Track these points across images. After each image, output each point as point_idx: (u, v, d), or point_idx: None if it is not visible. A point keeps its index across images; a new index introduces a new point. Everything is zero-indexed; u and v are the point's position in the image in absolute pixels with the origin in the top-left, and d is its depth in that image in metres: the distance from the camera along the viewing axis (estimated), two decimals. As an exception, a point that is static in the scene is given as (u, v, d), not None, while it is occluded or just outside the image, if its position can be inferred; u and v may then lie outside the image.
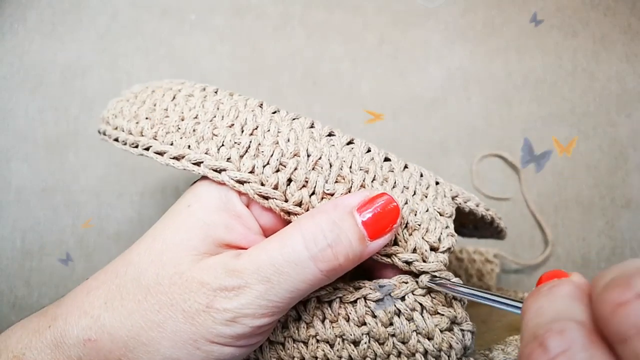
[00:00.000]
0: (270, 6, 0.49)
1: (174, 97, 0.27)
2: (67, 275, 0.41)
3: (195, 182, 0.26)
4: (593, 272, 0.42)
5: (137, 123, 0.27)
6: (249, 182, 0.23)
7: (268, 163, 0.24)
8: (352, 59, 0.48)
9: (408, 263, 0.24)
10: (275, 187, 0.24)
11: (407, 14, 0.49)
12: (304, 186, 0.24)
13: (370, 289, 0.24)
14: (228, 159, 0.24)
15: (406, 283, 0.24)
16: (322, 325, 0.24)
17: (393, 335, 0.24)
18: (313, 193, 0.24)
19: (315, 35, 0.48)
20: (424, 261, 0.24)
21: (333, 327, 0.24)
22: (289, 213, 0.24)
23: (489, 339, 0.28)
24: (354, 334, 0.24)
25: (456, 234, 0.25)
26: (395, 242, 0.24)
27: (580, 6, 0.49)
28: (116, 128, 0.28)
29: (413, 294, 0.23)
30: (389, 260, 0.24)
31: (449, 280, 0.23)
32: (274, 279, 0.21)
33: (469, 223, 0.34)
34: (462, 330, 0.24)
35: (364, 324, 0.24)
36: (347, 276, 0.27)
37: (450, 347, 0.23)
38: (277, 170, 0.24)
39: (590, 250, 0.43)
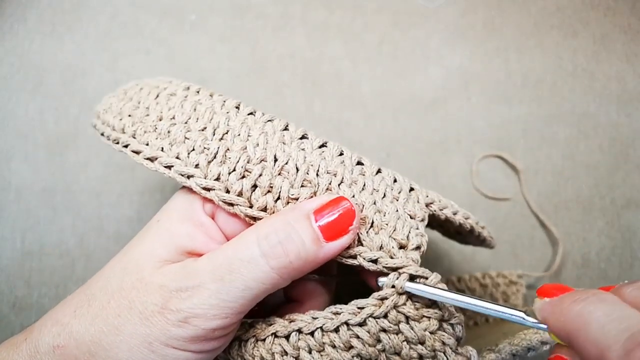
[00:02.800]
0: (270, 6, 0.49)
1: (157, 96, 0.28)
2: (67, 275, 0.41)
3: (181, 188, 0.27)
4: (593, 272, 0.42)
5: (120, 120, 0.27)
6: (214, 189, 0.24)
7: (234, 170, 0.24)
8: (352, 59, 0.48)
9: (374, 261, 0.24)
10: (240, 194, 0.24)
11: (407, 14, 0.49)
12: (268, 192, 0.24)
13: (349, 313, 0.24)
14: (196, 165, 0.24)
15: (386, 299, 0.23)
16: (310, 356, 0.24)
17: (383, 351, 0.23)
18: (278, 198, 0.24)
19: (315, 35, 0.48)
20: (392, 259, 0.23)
21: (321, 355, 0.24)
22: (254, 218, 0.24)
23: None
24: (344, 359, 0.24)
25: (426, 235, 0.25)
26: (360, 244, 0.24)
27: (580, 6, 0.49)
28: (104, 123, 0.28)
29: (395, 309, 0.23)
30: (354, 261, 0.24)
31: (426, 278, 0.23)
32: (227, 277, 0.22)
33: (454, 231, 0.34)
34: (451, 324, 0.24)
35: (352, 347, 0.24)
36: (329, 298, 0.27)
37: (444, 344, 0.23)
38: (243, 177, 0.24)
39: (590, 250, 0.43)
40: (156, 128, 0.26)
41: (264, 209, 0.24)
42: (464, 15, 0.49)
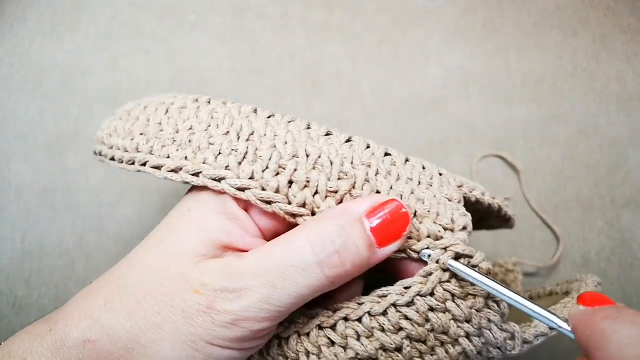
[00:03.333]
0: (270, 6, 0.49)
1: (167, 111, 0.27)
2: (67, 275, 0.41)
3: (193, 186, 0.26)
4: (593, 272, 0.42)
5: (132, 140, 0.26)
6: (249, 189, 0.23)
7: (267, 167, 0.23)
8: (352, 59, 0.48)
9: (424, 250, 0.23)
10: (277, 191, 0.23)
11: (407, 14, 0.49)
12: (306, 186, 0.23)
13: (397, 294, 0.23)
14: (227, 167, 0.24)
15: (430, 275, 0.23)
16: (360, 343, 0.23)
17: (432, 330, 0.23)
18: (316, 192, 0.23)
19: (315, 35, 0.48)
20: (444, 250, 0.23)
21: (371, 341, 0.23)
22: (294, 215, 0.23)
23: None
24: (395, 342, 0.23)
25: (469, 214, 0.24)
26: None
27: (580, 6, 0.49)
28: (112, 147, 0.27)
29: (441, 285, 0.23)
30: (403, 255, 0.23)
31: (471, 257, 0.23)
32: (279, 283, 0.21)
33: (475, 214, 0.33)
34: (496, 301, 0.23)
35: (401, 329, 0.23)
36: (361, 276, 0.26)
37: (489, 321, 0.23)
38: (277, 174, 0.23)
39: (590, 250, 0.43)
40: (175, 140, 0.25)
41: (303, 205, 0.23)
42: (464, 15, 0.49)
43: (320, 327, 0.24)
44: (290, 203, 0.23)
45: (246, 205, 0.24)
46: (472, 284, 0.23)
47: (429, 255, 0.23)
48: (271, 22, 0.49)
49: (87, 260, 0.42)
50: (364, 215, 0.22)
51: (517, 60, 0.48)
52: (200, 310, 0.21)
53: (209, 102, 0.27)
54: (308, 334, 0.24)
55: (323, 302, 0.25)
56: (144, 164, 0.25)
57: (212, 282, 0.21)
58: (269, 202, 0.23)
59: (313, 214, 0.24)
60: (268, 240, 0.24)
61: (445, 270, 0.23)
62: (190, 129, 0.25)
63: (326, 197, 0.23)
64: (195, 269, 0.22)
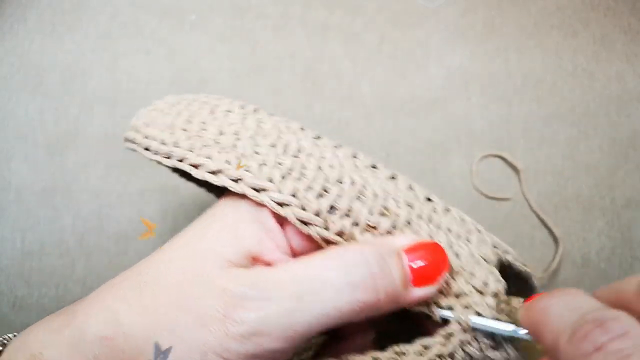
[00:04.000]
0: (270, 6, 0.49)
1: (212, 112, 0.26)
2: (67, 275, 0.41)
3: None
4: (593, 272, 0.42)
5: (171, 133, 0.25)
6: (289, 206, 0.22)
7: (311, 187, 0.22)
8: (352, 59, 0.48)
9: (449, 309, 0.22)
10: (317, 214, 0.22)
11: (407, 14, 0.49)
12: (347, 215, 0.22)
13: (414, 353, 0.22)
14: (270, 179, 0.22)
15: (451, 336, 0.22)
16: None
17: None
18: (356, 224, 0.22)
19: (315, 35, 0.48)
20: (467, 308, 0.22)
21: None
22: (329, 242, 0.22)
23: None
24: None
25: (503, 281, 0.23)
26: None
27: (580, 6, 0.49)
28: (147, 137, 0.26)
29: (462, 347, 0.22)
30: (424, 309, 0.22)
31: (497, 320, 0.21)
32: (306, 297, 0.19)
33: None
34: None
35: None
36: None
37: None
38: (320, 196, 0.22)
39: (590, 250, 0.43)
40: (218, 142, 0.24)
41: (340, 234, 0.22)
42: (464, 15, 0.49)
43: None
44: (327, 228, 0.22)
45: (281, 220, 0.23)
46: (497, 344, 0.22)
47: (447, 317, 0.22)
48: (271, 22, 0.49)
49: (87, 260, 0.42)
50: (402, 249, 0.21)
51: (517, 60, 0.48)
52: (216, 317, 0.19)
53: (255, 111, 0.26)
54: None
55: (332, 351, 0.24)
56: (181, 160, 0.24)
57: (233, 287, 0.20)
58: (307, 224, 0.22)
59: None
60: None
61: (466, 330, 0.22)
62: (236, 133, 0.24)
63: (365, 230, 0.22)
64: (219, 273, 0.21)
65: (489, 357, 0.22)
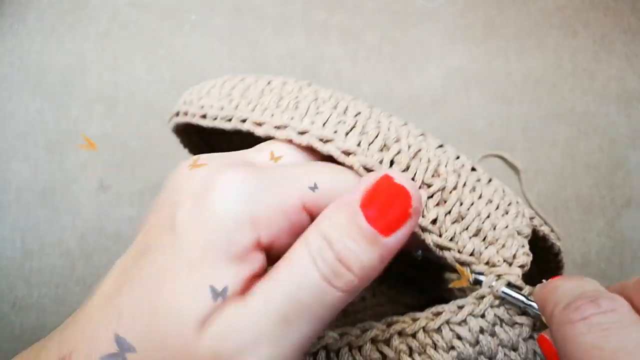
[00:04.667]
0: (270, 6, 0.49)
1: (268, 82, 0.27)
2: (67, 275, 0.41)
3: None
4: (593, 272, 0.42)
5: (230, 100, 0.26)
6: (355, 155, 0.23)
7: (373, 142, 0.24)
8: (352, 59, 0.48)
9: (478, 274, 0.23)
10: (380, 163, 0.23)
11: (407, 14, 0.49)
12: (404, 171, 0.24)
13: (451, 312, 0.23)
14: (335, 131, 0.23)
15: (483, 298, 0.23)
16: (412, 359, 0.23)
17: (481, 353, 0.23)
18: (412, 179, 0.24)
19: (315, 35, 0.48)
20: (496, 276, 0.23)
21: (422, 358, 0.23)
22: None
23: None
24: None
25: (531, 255, 0.24)
26: (471, 253, 0.24)
27: (580, 6, 0.49)
28: (204, 106, 0.27)
29: (491, 308, 0.23)
30: (464, 268, 0.23)
31: (520, 288, 0.23)
32: (291, 315, 0.18)
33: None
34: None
35: (452, 348, 0.23)
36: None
37: (535, 353, 0.23)
38: (381, 150, 0.24)
39: (590, 250, 0.43)
40: (278, 105, 0.25)
41: None
42: (464, 15, 0.49)
43: (373, 341, 0.23)
44: None
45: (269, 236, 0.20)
46: (523, 311, 0.23)
47: (482, 280, 0.24)
48: (271, 22, 0.49)
49: (87, 260, 0.42)
50: (357, 205, 0.19)
51: (517, 60, 0.48)
52: None
53: (309, 84, 0.27)
54: (360, 348, 0.23)
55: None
56: (244, 121, 0.25)
57: (222, 350, 0.17)
58: (371, 170, 0.23)
59: None
60: (282, 238, 0.20)
61: (496, 297, 0.23)
62: (296, 97, 0.25)
63: (419, 187, 0.24)
64: (201, 336, 0.18)
65: (517, 322, 0.23)
